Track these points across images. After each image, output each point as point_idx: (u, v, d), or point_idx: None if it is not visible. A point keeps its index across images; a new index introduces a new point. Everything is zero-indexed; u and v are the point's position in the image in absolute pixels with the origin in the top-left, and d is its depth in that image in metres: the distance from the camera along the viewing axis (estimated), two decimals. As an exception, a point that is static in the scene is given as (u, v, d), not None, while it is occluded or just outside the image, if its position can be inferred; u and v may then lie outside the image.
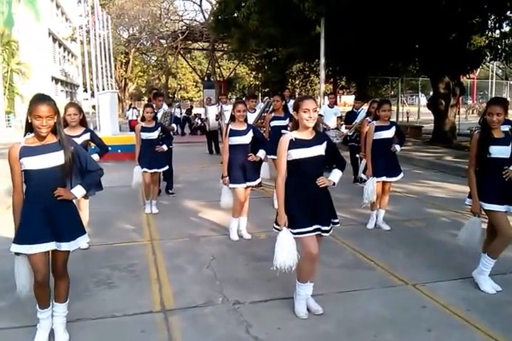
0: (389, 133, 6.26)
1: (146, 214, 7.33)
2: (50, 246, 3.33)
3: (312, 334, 3.64)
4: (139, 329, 3.73)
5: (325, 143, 3.84)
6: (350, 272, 4.90)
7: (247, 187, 6.01)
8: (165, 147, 7.42)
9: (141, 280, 4.77)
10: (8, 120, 25.94)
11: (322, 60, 15.79)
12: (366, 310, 4.02)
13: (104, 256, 5.46)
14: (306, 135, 3.79)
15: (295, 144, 3.74)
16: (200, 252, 5.57)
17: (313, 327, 3.75)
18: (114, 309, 4.07)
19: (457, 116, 18.62)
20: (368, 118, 7.98)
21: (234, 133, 5.86)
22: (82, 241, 3.53)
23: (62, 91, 40.91)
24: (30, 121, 3.27)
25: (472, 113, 31.42)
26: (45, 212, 3.32)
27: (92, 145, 5.97)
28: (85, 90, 19.33)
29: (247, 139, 5.90)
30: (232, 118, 5.93)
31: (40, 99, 3.28)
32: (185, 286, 4.55)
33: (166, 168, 7.65)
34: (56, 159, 3.32)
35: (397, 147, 6.33)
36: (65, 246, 3.37)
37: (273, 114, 7.85)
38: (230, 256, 5.46)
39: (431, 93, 20.26)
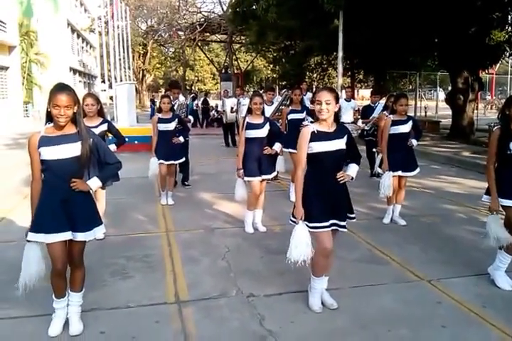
0: (406, 128, 6.20)
1: (162, 205, 7.37)
2: (67, 235, 3.35)
3: (325, 329, 3.63)
4: (153, 320, 3.75)
5: (346, 137, 3.80)
6: (365, 267, 4.87)
7: (263, 180, 6.00)
8: (181, 139, 7.44)
9: (155, 271, 4.80)
10: (27, 110, 26.19)
11: (340, 53, 15.66)
12: (380, 305, 4.00)
13: (119, 246, 5.50)
14: (328, 127, 3.75)
15: (317, 137, 3.70)
16: (215, 244, 5.58)
17: (327, 321, 3.73)
18: (128, 299, 4.10)
19: (475, 111, 18.37)
20: (385, 112, 7.93)
21: (250, 126, 5.85)
22: (98, 232, 3.56)
23: (80, 82, 41.18)
24: (49, 110, 3.29)
25: (491, 108, 30.99)
26: (62, 201, 3.34)
27: (110, 136, 5.99)
28: (103, 81, 19.37)
29: (263, 132, 5.88)
30: (249, 111, 5.91)
31: (59, 88, 3.29)
32: (200, 278, 4.57)
33: (183, 159, 7.68)
34: (74, 150, 3.33)
35: (414, 142, 6.28)
36: (80, 237, 3.40)
37: (290, 108, 7.83)
38: (244, 248, 5.47)
39: (449, 88, 20.03)
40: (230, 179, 8.88)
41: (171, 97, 7.91)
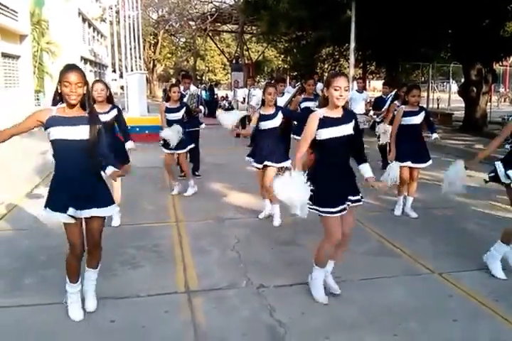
0: (417, 119, 6.15)
1: (172, 195, 7.36)
2: (84, 213, 3.39)
3: (335, 321, 3.62)
4: (162, 310, 3.75)
5: (353, 121, 3.76)
6: (376, 259, 4.84)
7: (279, 170, 5.94)
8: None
9: (165, 260, 4.80)
10: (38, 99, 26.22)
11: (352, 44, 15.52)
12: (391, 298, 3.98)
13: (129, 236, 5.50)
14: (335, 113, 3.71)
15: (324, 123, 3.66)
16: (225, 235, 5.57)
17: (337, 313, 3.72)
18: (138, 289, 4.11)
19: (489, 103, 18.18)
20: (396, 102, 7.87)
21: (263, 117, 5.81)
22: (113, 210, 3.59)
23: (91, 71, 41.18)
24: (59, 91, 3.29)
25: (504, 101, 30.67)
26: (74, 182, 3.35)
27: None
28: (114, 71, 19.34)
29: (276, 122, 5.84)
30: (263, 102, 5.89)
31: (69, 67, 3.31)
32: (210, 268, 4.57)
33: (191, 146, 7.64)
34: (83, 132, 3.32)
35: (435, 135, 6.26)
36: (96, 212, 3.43)
37: (303, 96, 7.80)
38: (254, 239, 5.45)
39: (462, 80, 19.80)
40: (241, 170, 8.91)
41: (183, 87, 7.87)
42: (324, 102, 3.79)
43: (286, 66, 36.21)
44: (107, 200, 3.56)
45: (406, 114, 6.10)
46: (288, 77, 30.20)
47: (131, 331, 3.47)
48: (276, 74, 44.09)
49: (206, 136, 9.70)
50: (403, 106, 6.20)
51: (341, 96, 3.60)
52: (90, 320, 3.59)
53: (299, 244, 5.20)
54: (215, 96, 23.89)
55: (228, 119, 6.41)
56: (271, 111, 5.82)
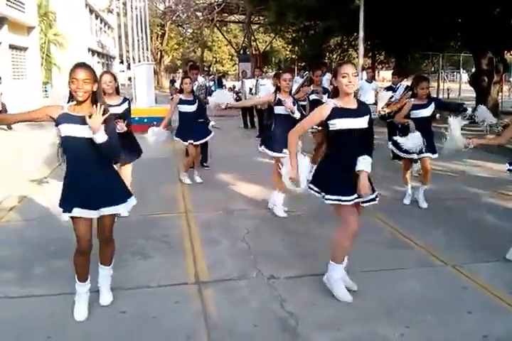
0: (427, 112, 6.04)
1: (185, 184, 7.38)
2: (92, 213, 3.36)
3: (348, 312, 3.57)
4: (172, 301, 3.73)
5: (368, 115, 3.68)
6: (388, 251, 4.78)
7: None
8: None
9: (175, 251, 4.78)
10: (46, 90, 26.24)
11: (361, 34, 15.40)
12: (404, 290, 3.92)
13: (138, 226, 5.48)
14: (350, 104, 3.62)
15: (340, 113, 3.57)
16: (235, 225, 5.53)
17: (350, 306, 3.66)
18: (148, 279, 4.08)
19: (500, 93, 17.97)
20: (410, 92, 7.75)
21: (280, 102, 5.73)
22: (131, 204, 3.54)
23: (98, 62, 41.11)
24: (70, 88, 3.25)
25: (514, 91, 30.34)
26: (85, 179, 3.32)
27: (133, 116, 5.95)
28: (121, 62, 19.27)
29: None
30: (278, 89, 5.82)
31: (78, 64, 3.28)
32: (220, 259, 4.54)
33: (205, 140, 7.64)
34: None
35: (470, 110, 6.13)
36: (107, 211, 3.39)
37: (312, 87, 7.70)
38: (264, 230, 5.41)
39: (473, 70, 19.60)
40: (249, 161, 8.87)
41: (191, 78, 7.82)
42: (335, 93, 3.72)
43: (293, 56, 35.93)
44: (122, 196, 3.51)
45: (414, 107, 6.00)
46: (296, 68, 30.02)
47: (142, 321, 3.44)
48: (284, 64, 43.89)
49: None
50: (412, 99, 6.09)
51: (350, 82, 3.51)
52: (101, 310, 3.57)
53: (309, 236, 5.15)
54: (224, 88, 23.77)
55: (219, 99, 6.40)
56: (287, 98, 5.75)
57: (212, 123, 7.89)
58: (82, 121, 3.23)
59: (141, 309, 3.61)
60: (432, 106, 6.06)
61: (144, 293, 3.89)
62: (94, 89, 3.27)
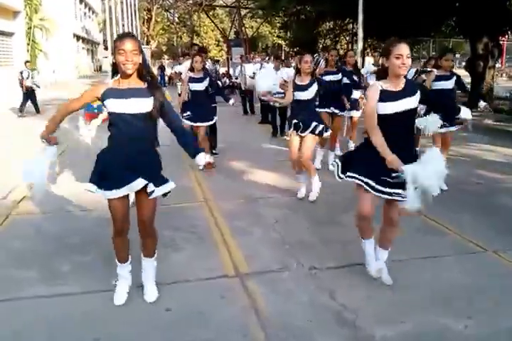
0: (449, 84, 5.98)
1: (200, 170, 7.10)
2: (128, 189, 3.19)
3: (405, 304, 3.42)
4: (217, 295, 3.57)
5: (418, 93, 3.44)
6: (424, 238, 4.65)
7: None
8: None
9: (205, 242, 4.61)
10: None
11: (360, 17, 15.19)
12: (451, 278, 3.81)
13: (162, 216, 5.24)
14: (395, 86, 3.42)
15: (384, 97, 3.37)
16: (261, 214, 5.37)
17: (400, 296, 3.53)
18: (185, 273, 3.92)
19: (494, 78, 17.94)
20: (423, 75, 7.65)
21: (297, 88, 5.62)
22: (169, 187, 3.34)
23: (83, 48, 40.37)
24: (115, 60, 3.05)
25: (501, 76, 30.45)
26: (128, 159, 3.14)
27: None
28: (105, 48, 18.88)
29: (308, 95, 5.63)
30: (298, 71, 5.65)
31: (124, 34, 3.11)
32: (255, 250, 4.38)
33: (212, 122, 7.44)
34: (144, 106, 3.08)
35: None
36: (148, 189, 3.20)
37: (325, 69, 7.55)
38: (293, 219, 5.25)
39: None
40: (257, 147, 8.73)
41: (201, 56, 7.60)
42: (383, 74, 3.54)
43: (281, 42, 35.61)
44: (161, 178, 3.32)
45: (437, 78, 5.92)
46: (283, 53, 29.70)
47: (189, 318, 3.27)
48: (271, 50, 43.43)
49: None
50: (435, 69, 6.03)
51: (404, 64, 3.31)
52: (145, 307, 3.40)
53: (339, 224, 5.00)
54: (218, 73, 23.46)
55: (264, 84, 6.21)
56: (305, 81, 5.60)
57: (231, 101, 7.68)
58: (132, 94, 3.04)
59: (186, 305, 3.44)
60: (454, 78, 6.00)
61: (185, 287, 3.72)
62: (140, 61, 3.07)
